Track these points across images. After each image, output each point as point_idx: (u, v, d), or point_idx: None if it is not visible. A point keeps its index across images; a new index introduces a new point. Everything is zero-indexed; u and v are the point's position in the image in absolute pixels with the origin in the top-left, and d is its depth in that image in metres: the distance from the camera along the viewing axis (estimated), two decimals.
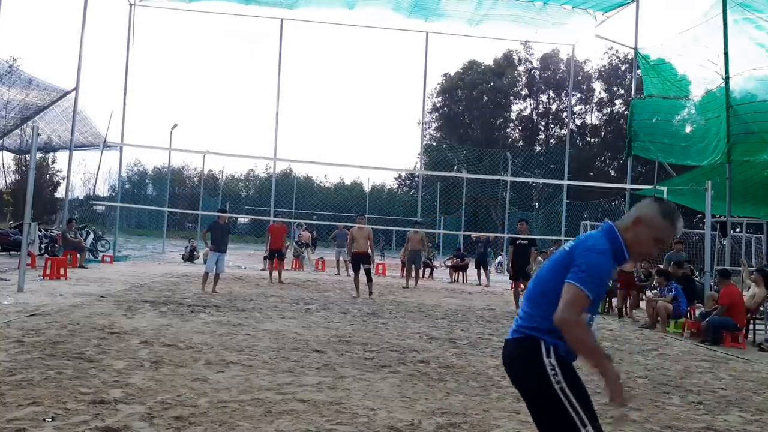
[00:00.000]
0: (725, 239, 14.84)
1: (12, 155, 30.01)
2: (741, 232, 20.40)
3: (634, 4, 17.89)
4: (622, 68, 46.06)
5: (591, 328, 2.44)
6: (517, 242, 12.28)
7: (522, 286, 12.11)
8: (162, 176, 35.99)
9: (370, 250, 12.83)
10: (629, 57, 34.04)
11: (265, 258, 19.51)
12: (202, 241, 14.52)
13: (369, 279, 12.60)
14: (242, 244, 34.12)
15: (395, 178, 52.35)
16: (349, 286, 13.23)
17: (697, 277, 13.34)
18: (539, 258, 15.17)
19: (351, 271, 13.50)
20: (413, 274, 16.34)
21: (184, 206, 32.71)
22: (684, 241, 12.83)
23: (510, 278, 13.18)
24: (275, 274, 14.81)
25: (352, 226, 13.60)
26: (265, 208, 25.50)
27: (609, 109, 49.15)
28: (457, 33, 22.27)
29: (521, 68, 51.02)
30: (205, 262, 13.04)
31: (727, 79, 12.21)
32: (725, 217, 13.22)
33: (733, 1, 12.16)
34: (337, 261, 19.04)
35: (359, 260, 12.59)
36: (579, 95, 48.11)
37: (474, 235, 21.10)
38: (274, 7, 20.01)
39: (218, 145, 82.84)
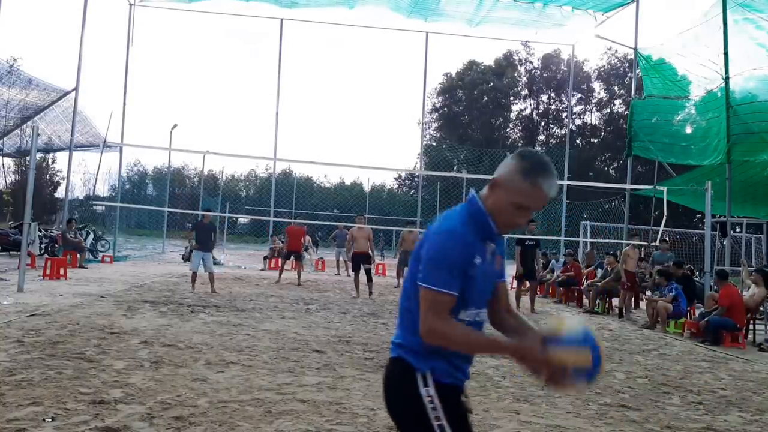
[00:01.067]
0: (725, 239, 14.85)
1: (12, 157, 29.99)
2: (741, 232, 20.40)
3: (634, 4, 17.89)
4: (622, 68, 46.09)
5: (482, 328, 2.00)
6: (526, 243, 12.15)
7: (527, 286, 12.08)
8: (162, 176, 35.99)
9: (370, 251, 12.82)
10: (629, 57, 34.05)
11: (265, 258, 19.58)
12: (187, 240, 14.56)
13: (369, 279, 12.58)
14: (242, 244, 34.12)
15: (395, 179, 52.35)
16: (349, 287, 13.22)
17: (696, 277, 13.35)
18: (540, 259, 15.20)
19: (351, 271, 13.51)
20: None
21: (184, 206, 32.67)
22: (668, 239, 12.81)
23: (514, 278, 13.14)
24: (289, 275, 14.85)
25: (352, 226, 13.59)
26: (265, 209, 25.50)
27: (609, 110, 49.19)
28: (457, 33, 22.28)
29: (521, 68, 51.07)
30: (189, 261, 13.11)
31: (727, 79, 12.22)
32: (725, 217, 13.23)
33: (734, 1, 12.17)
34: (337, 261, 19.03)
35: (359, 260, 12.57)
36: (579, 95, 48.14)
37: None
38: (273, 5, 19.99)
39: (218, 145, 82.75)
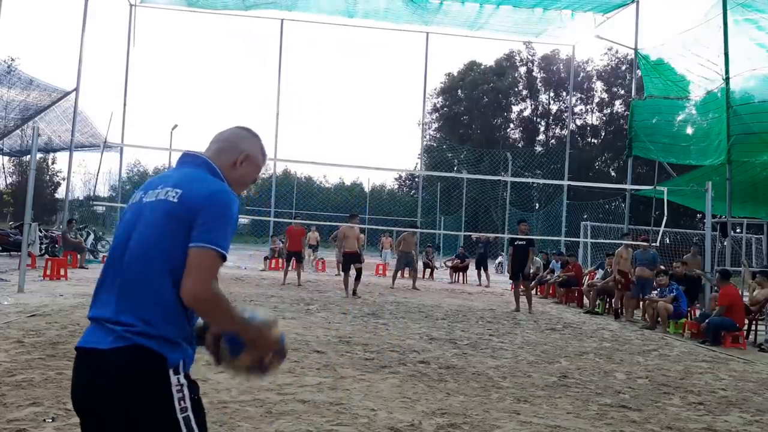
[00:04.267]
0: (726, 240, 14.84)
1: (12, 156, 30.00)
2: (741, 232, 20.39)
3: (634, 4, 17.89)
4: (623, 68, 46.10)
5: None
6: (516, 243, 12.31)
7: (522, 286, 12.14)
8: None
9: (359, 250, 12.99)
10: (629, 57, 34.05)
11: (265, 258, 19.57)
12: None
13: (358, 278, 12.73)
14: (242, 244, 34.10)
15: (395, 179, 52.42)
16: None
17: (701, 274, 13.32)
18: (536, 258, 15.23)
19: (341, 271, 13.58)
20: (408, 275, 16.37)
21: None
22: (649, 239, 12.79)
23: (510, 278, 13.19)
24: (291, 275, 14.87)
25: (351, 226, 13.59)
26: (265, 209, 25.50)
27: (609, 110, 49.20)
28: (457, 33, 22.32)
29: (522, 69, 51.09)
30: None
31: (727, 79, 12.21)
32: (726, 217, 13.22)
33: (734, 1, 12.16)
34: (338, 262, 19.03)
35: (351, 260, 12.72)
36: (579, 96, 48.15)
37: (474, 235, 21.08)
38: (274, 10, 20.16)
39: None
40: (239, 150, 1.96)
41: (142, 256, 1.73)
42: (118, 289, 1.74)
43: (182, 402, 1.70)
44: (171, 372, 1.70)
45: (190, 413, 1.72)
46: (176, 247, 1.71)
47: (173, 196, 1.75)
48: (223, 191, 1.79)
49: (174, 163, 2.05)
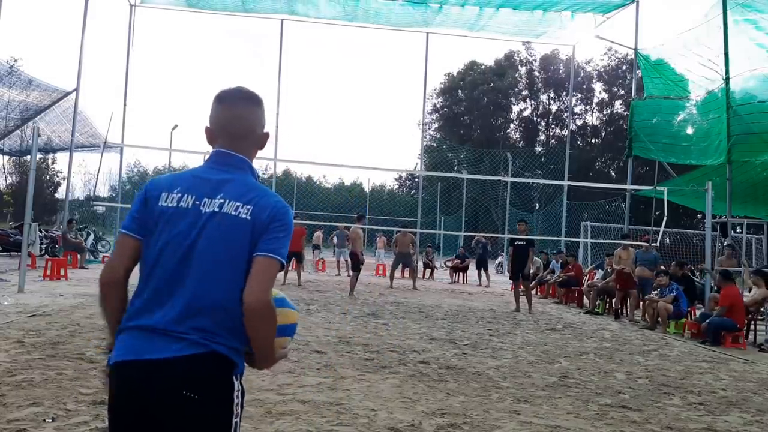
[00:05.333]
0: (726, 240, 14.83)
1: (12, 155, 30.01)
2: (741, 232, 20.39)
3: (634, 4, 17.89)
4: (623, 69, 46.10)
5: None
6: (516, 243, 12.31)
7: (522, 286, 12.13)
8: None
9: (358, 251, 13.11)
10: (629, 57, 34.03)
11: None
12: None
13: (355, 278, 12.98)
14: None
15: (395, 179, 52.45)
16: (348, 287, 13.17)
17: (697, 277, 13.34)
18: (536, 258, 15.23)
19: (351, 271, 13.58)
20: (407, 275, 16.38)
21: None
22: (650, 239, 12.79)
23: (510, 278, 13.20)
24: (292, 275, 14.87)
25: (352, 227, 13.62)
26: None
27: (609, 110, 49.21)
28: (457, 34, 22.33)
29: (522, 69, 51.10)
30: None
31: (727, 79, 12.22)
32: (726, 217, 13.22)
33: (734, 1, 12.17)
34: (338, 262, 19.02)
35: (357, 261, 12.94)
36: (579, 96, 48.16)
37: (478, 236, 21.05)
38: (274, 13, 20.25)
39: None
40: (256, 135, 1.95)
41: (216, 271, 1.74)
42: (183, 301, 1.73)
43: (238, 408, 1.75)
44: (234, 378, 1.75)
45: (239, 419, 1.76)
46: (246, 262, 1.75)
47: (245, 213, 1.77)
48: (284, 204, 1.85)
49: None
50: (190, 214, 1.79)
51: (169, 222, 1.80)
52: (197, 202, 1.80)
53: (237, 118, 1.90)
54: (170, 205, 1.81)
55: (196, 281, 1.73)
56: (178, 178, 1.89)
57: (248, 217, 1.76)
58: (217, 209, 1.78)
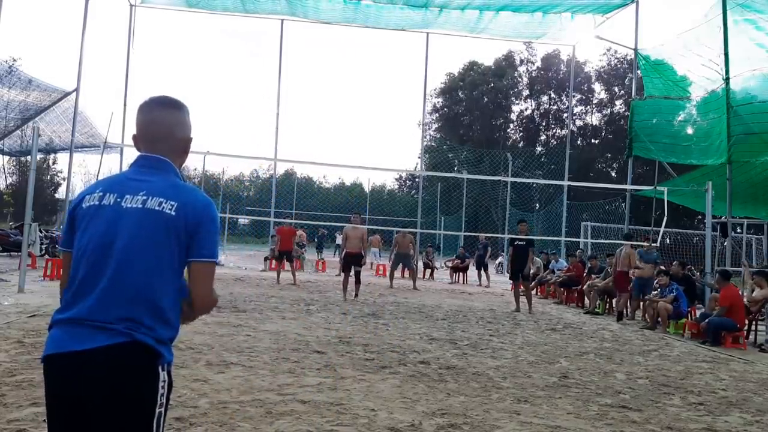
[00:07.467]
0: (726, 240, 14.84)
1: (12, 156, 30.02)
2: (742, 232, 20.40)
3: (634, 5, 17.88)
4: (623, 69, 46.08)
5: None
6: (516, 243, 12.30)
7: (522, 287, 12.12)
8: None
9: (363, 251, 12.48)
10: (629, 57, 34.03)
11: (265, 259, 19.54)
12: None
13: (357, 281, 12.25)
14: (242, 244, 34.12)
15: (396, 179, 52.43)
16: (350, 287, 13.12)
17: (696, 279, 13.32)
18: (536, 258, 15.20)
19: (341, 272, 13.02)
20: (407, 275, 16.33)
21: None
22: (651, 239, 12.76)
23: (510, 279, 13.19)
24: (286, 275, 14.83)
25: (354, 227, 13.51)
26: (265, 209, 25.52)
27: (609, 110, 49.19)
28: (457, 34, 22.35)
29: (522, 69, 51.10)
30: None
31: (727, 79, 12.22)
32: (726, 217, 13.22)
33: (734, 1, 12.17)
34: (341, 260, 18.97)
35: (351, 261, 12.21)
36: (579, 96, 48.14)
37: (482, 236, 21.00)
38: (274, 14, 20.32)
39: (219, 146, 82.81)
40: (176, 138, 1.99)
41: (139, 262, 1.79)
42: (106, 292, 1.77)
43: (163, 398, 1.80)
44: (160, 368, 1.81)
45: (164, 409, 1.81)
46: (173, 256, 1.83)
47: (169, 209, 1.82)
48: (211, 204, 1.93)
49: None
50: (112, 210, 1.84)
51: (93, 219, 1.86)
52: (119, 200, 1.86)
53: (153, 123, 1.97)
54: (93, 204, 1.88)
55: (116, 271, 1.78)
56: (101, 182, 1.98)
57: (172, 213, 1.82)
58: (140, 205, 1.83)
